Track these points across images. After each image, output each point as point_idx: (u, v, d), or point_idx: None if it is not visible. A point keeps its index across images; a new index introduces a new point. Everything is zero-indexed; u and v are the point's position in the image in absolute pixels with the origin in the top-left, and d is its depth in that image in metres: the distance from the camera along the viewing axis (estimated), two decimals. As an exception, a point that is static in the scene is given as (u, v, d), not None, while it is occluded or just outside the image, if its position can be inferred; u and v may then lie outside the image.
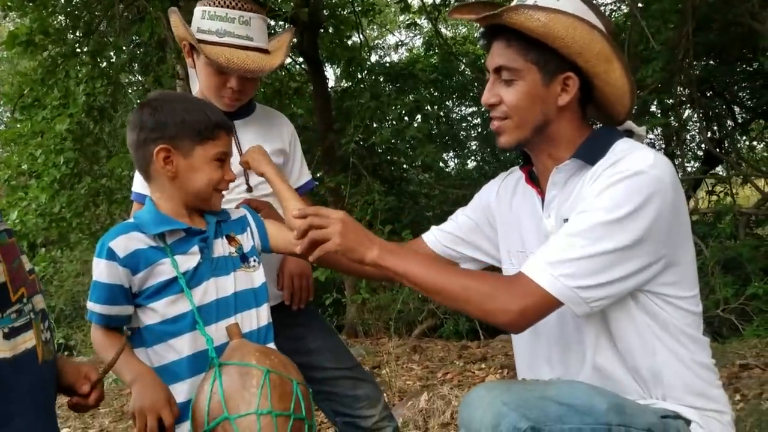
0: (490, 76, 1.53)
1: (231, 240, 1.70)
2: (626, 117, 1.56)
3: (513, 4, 1.47)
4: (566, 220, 1.44)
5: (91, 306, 1.59)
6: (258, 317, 1.66)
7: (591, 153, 1.46)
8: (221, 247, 1.66)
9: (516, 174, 1.75)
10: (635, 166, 1.35)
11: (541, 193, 1.59)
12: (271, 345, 1.65)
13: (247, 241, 1.73)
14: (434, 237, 1.85)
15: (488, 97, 1.52)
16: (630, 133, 1.56)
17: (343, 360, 2.03)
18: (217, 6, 1.86)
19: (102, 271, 1.55)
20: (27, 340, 1.31)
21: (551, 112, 1.48)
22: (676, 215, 1.38)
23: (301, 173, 2.12)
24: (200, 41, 1.86)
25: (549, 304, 1.35)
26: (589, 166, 1.45)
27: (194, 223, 1.65)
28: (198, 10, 1.90)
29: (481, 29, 1.57)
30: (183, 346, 1.55)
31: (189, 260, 1.59)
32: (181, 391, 1.53)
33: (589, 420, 1.25)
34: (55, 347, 1.42)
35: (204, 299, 1.58)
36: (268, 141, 1.96)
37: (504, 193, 1.74)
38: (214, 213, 1.70)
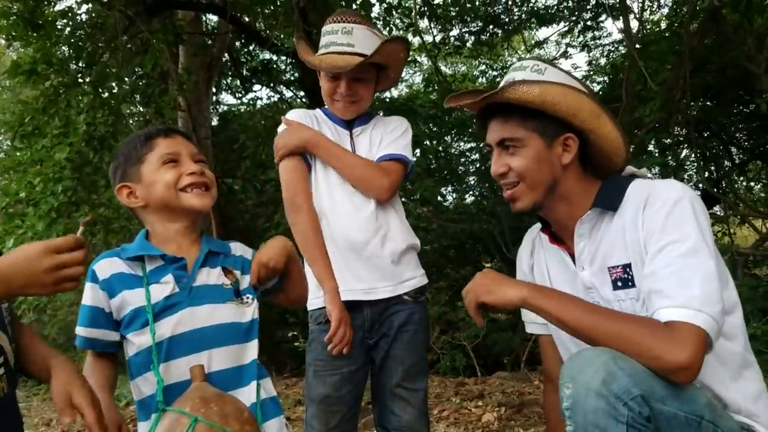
0: (493, 151, 1.67)
1: (228, 273, 1.68)
2: (624, 166, 1.68)
3: (503, 84, 1.63)
4: (611, 268, 1.55)
5: (77, 329, 1.60)
6: (242, 353, 1.62)
7: (609, 200, 1.58)
8: (208, 276, 1.64)
9: (530, 237, 1.86)
10: (674, 194, 1.47)
11: (568, 249, 1.68)
12: (250, 385, 1.60)
13: (245, 279, 1.71)
14: None
15: (497, 167, 1.65)
16: (634, 177, 1.66)
17: (409, 380, 2.06)
18: (327, 24, 2.12)
19: (86, 293, 1.59)
20: None
21: (557, 171, 1.62)
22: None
23: (385, 148, 2.13)
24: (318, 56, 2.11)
25: (704, 342, 1.36)
26: (611, 213, 1.57)
27: (182, 250, 1.64)
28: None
29: (476, 112, 1.72)
30: (155, 379, 1.54)
31: (162, 289, 1.58)
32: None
33: (686, 408, 1.33)
34: (7, 385, 1.41)
35: (177, 329, 1.56)
36: (375, 144, 2.14)
37: (526, 260, 1.86)
38: (213, 241, 1.70)
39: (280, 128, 2.15)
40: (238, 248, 1.77)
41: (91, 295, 1.58)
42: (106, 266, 1.60)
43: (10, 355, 1.45)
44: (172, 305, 1.56)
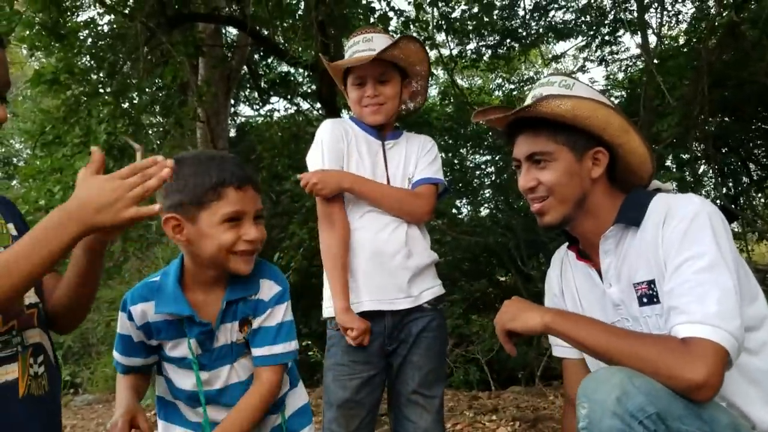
0: (522, 165, 1.67)
1: (245, 324, 1.62)
2: (649, 181, 1.68)
3: (530, 99, 1.64)
4: (637, 284, 1.54)
5: (115, 356, 1.66)
6: None
7: (632, 215, 1.58)
8: (228, 334, 1.62)
9: (558, 257, 1.86)
10: (691, 209, 1.47)
11: (595, 265, 1.68)
12: (276, 414, 1.68)
13: (255, 324, 1.65)
14: None
15: (526, 181, 1.65)
16: (658, 191, 1.66)
17: (426, 386, 2.08)
18: (349, 40, 2.24)
19: (122, 325, 1.62)
20: (9, 372, 1.35)
21: (586, 185, 1.62)
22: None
23: (422, 172, 2.19)
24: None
25: (723, 358, 1.33)
26: (633, 228, 1.57)
27: (208, 296, 1.61)
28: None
29: (502, 128, 1.73)
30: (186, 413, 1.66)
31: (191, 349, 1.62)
32: None
33: (707, 429, 1.31)
34: (48, 383, 1.45)
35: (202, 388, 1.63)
36: (410, 162, 2.21)
37: (556, 282, 1.85)
38: (240, 286, 1.61)
39: (314, 151, 2.17)
40: (265, 289, 1.65)
41: (127, 328, 1.61)
42: (141, 312, 1.58)
43: (50, 353, 1.49)
44: (200, 365, 1.62)
